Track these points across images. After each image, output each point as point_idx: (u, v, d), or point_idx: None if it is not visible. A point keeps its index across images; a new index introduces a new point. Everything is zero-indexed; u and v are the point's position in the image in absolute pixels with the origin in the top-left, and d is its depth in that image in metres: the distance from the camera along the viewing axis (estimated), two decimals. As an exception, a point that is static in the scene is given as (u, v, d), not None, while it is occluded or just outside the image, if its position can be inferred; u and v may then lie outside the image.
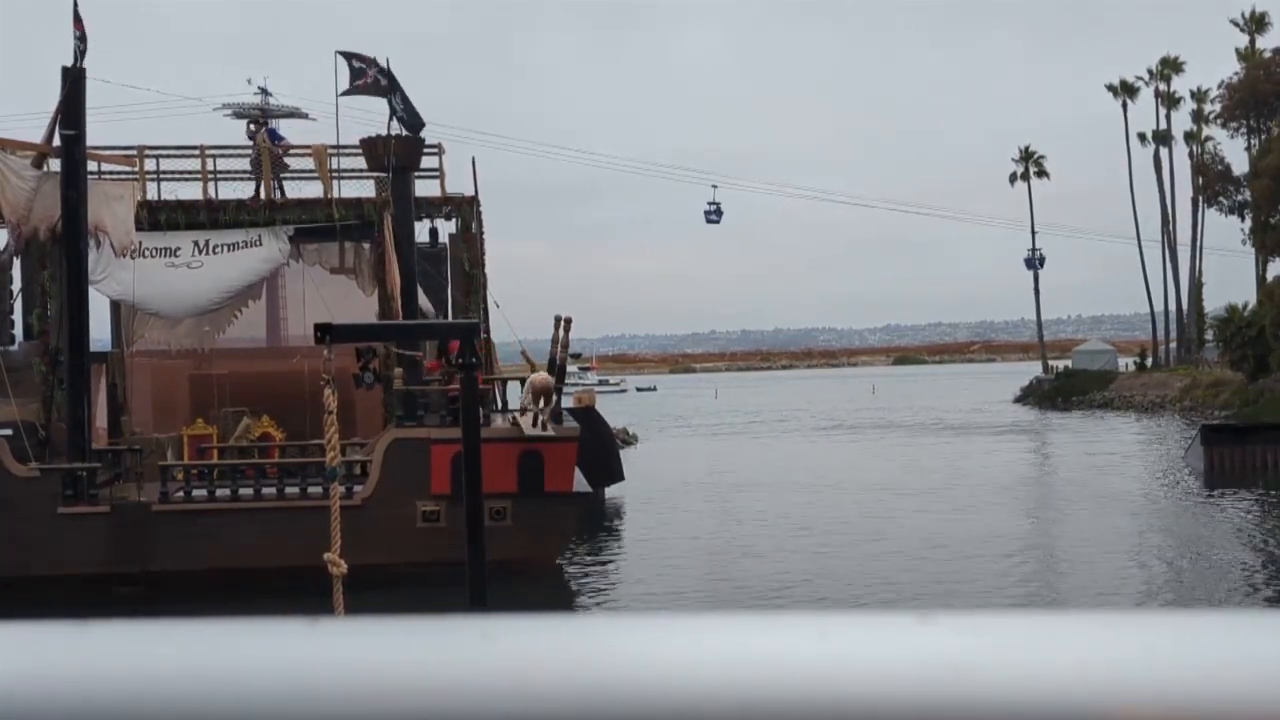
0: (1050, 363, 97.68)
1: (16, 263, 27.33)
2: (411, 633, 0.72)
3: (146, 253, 27.05)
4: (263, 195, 28.44)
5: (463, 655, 0.69)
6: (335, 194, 28.14)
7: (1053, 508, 33.23)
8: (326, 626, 0.72)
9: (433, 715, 0.66)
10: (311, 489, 23.84)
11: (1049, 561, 25.49)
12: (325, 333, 8.90)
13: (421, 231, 29.04)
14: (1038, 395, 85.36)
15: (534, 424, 23.83)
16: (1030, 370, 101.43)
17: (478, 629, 0.71)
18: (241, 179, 29.35)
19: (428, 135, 27.66)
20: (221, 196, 28.50)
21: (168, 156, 28.93)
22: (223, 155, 29.19)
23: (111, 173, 27.67)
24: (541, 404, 24.01)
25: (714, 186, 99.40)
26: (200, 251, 27.68)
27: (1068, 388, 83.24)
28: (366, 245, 28.04)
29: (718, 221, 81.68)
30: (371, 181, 28.27)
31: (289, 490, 24.03)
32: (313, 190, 28.80)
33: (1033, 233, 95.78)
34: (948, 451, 50.07)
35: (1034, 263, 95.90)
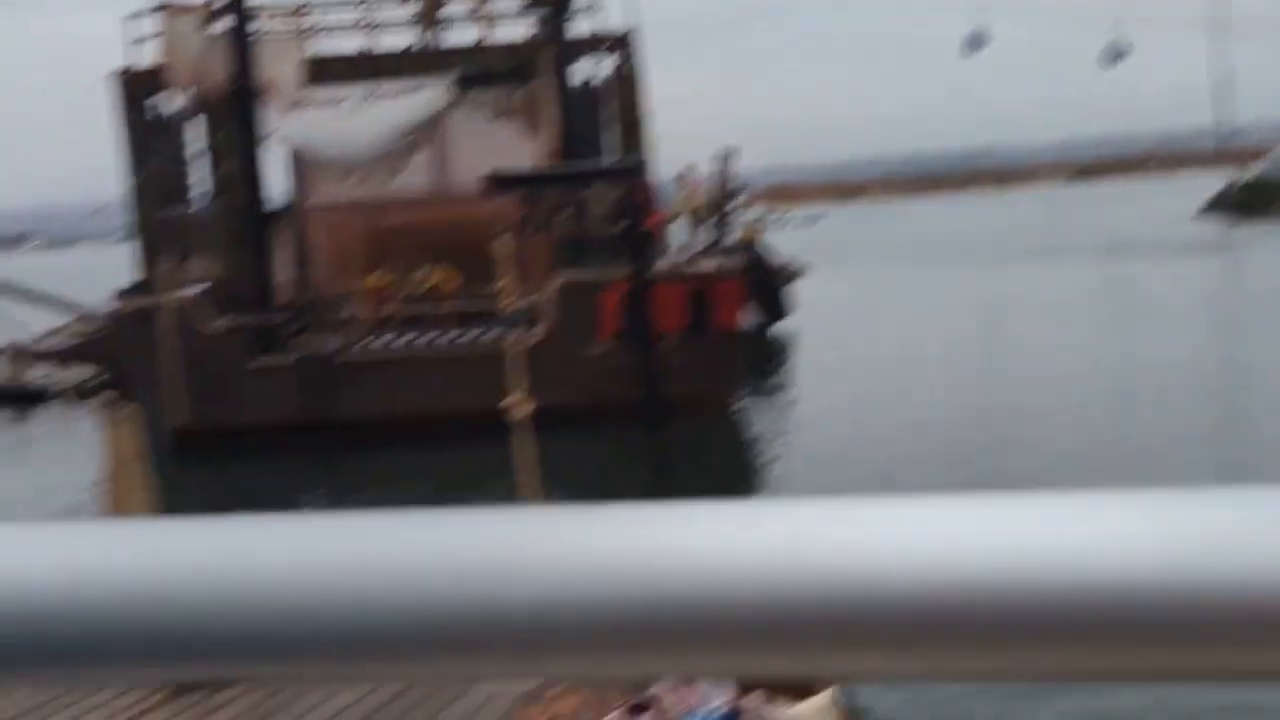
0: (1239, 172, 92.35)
1: (193, 124, 28.13)
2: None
3: (314, 104, 27.51)
4: (424, 44, 28.54)
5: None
6: (494, 39, 28.08)
7: None
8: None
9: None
10: (487, 335, 24.41)
11: None
12: (495, 181, 8.91)
13: (582, 72, 28.85)
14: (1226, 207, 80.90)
15: (701, 261, 23.80)
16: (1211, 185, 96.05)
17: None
18: (406, 28, 29.50)
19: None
20: (384, 48, 28.73)
21: (332, 8, 29.22)
22: (385, 5, 29.33)
23: (278, 29, 28.08)
24: (706, 238, 23.92)
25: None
26: (366, 99, 28.01)
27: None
28: (527, 89, 27.99)
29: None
30: (530, 24, 28.07)
31: (465, 338, 24.63)
32: (473, 36, 28.78)
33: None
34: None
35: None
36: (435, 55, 28.19)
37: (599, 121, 29.43)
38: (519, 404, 9.35)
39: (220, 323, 24.46)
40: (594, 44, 28.61)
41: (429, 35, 28.79)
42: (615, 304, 22.98)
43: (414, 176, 33.66)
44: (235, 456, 23.24)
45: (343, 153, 28.84)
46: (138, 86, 27.72)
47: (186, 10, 26.21)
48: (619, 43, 28.60)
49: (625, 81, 28.62)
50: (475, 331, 24.61)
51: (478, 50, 28.02)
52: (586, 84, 29.49)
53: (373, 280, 28.77)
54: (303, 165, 30.22)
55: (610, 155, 28.89)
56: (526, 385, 9.86)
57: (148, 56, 27.67)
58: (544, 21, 26.65)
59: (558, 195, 24.99)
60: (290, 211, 29.96)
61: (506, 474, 19.78)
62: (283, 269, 27.92)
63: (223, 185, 27.53)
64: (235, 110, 25.84)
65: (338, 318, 25.83)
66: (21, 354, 32.74)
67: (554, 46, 26.77)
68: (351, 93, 27.99)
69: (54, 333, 28.59)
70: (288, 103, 26.34)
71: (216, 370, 23.95)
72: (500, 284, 9.23)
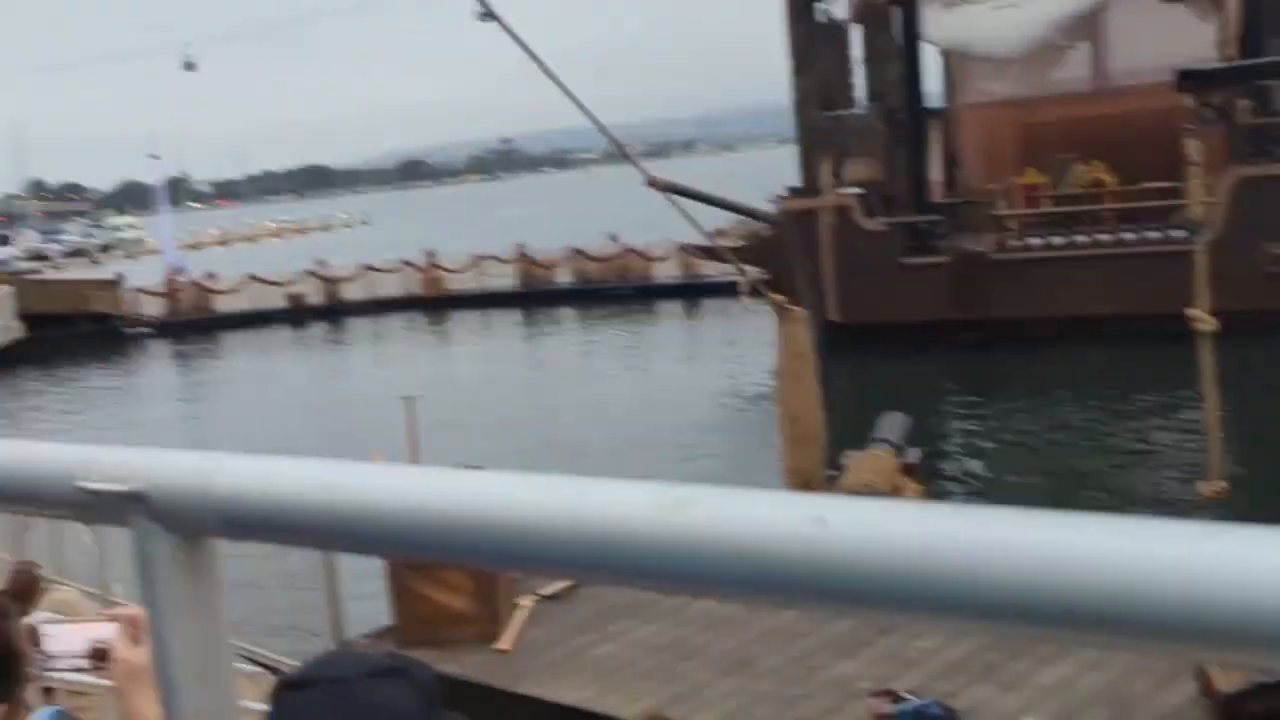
0: None
1: (856, 29, 28.83)
2: None
3: (970, 3, 27.13)
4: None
5: None
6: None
7: None
8: None
9: None
10: (1149, 234, 23.15)
11: None
12: (1186, 76, 8.39)
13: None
14: None
15: None
16: None
17: None
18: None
19: None
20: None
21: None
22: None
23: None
24: None
25: None
26: (1023, -8, 27.14)
27: None
28: (1203, -34, 25.75)
29: None
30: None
31: (1126, 236, 23.50)
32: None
33: None
34: None
35: None
36: (1102, -61, 26.67)
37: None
38: (1203, 316, 8.84)
39: (875, 222, 25.15)
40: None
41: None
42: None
43: (1072, 70, 32.33)
44: (886, 351, 24.04)
45: (997, 49, 28.27)
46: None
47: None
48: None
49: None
50: (1138, 231, 23.39)
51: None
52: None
53: (1026, 178, 28.18)
54: (956, 65, 30.06)
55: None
56: (1189, 289, 9.28)
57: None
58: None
59: (1241, 86, 22.88)
60: (943, 112, 29.98)
61: (1165, 383, 18.88)
62: (935, 169, 28.10)
63: (881, 88, 28.07)
64: (895, 13, 26.18)
65: (990, 216, 25.63)
66: (693, 252, 35.81)
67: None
68: (1008, -14, 27.29)
69: (721, 232, 30.82)
70: (944, 2, 26.23)
71: (872, 268, 24.74)
72: (1188, 186, 8.70)
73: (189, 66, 60.44)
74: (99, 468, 1.10)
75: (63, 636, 2.31)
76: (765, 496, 0.79)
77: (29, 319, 39.40)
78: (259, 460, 1.03)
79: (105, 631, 2.03)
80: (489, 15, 8.31)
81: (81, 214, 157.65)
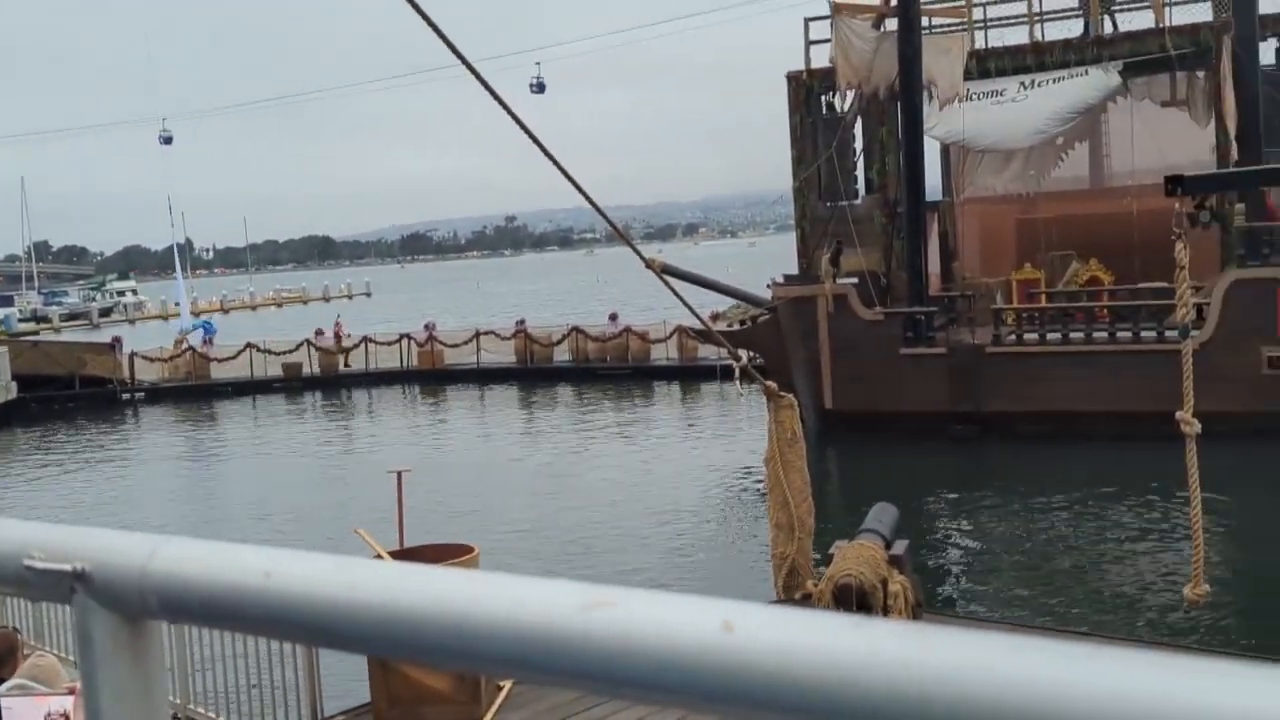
0: None
1: (856, 121, 29.24)
2: None
3: (973, 97, 27.52)
4: (1091, 32, 27.60)
5: None
6: (1168, 22, 26.50)
7: None
8: None
9: None
10: (1144, 333, 23.28)
11: None
12: (1177, 184, 8.51)
13: (1267, 53, 26.45)
14: None
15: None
16: None
17: None
18: (1070, 17, 28.63)
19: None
20: (1049, 37, 28.12)
21: (995, 3, 29.04)
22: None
23: (941, 25, 28.43)
24: None
25: None
26: (1025, 89, 27.54)
27: None
28: (1201, 74, 26.19)
29: None
30: (1208, 4, 26.21)
31: (1120, 334, 23.63)
32: (1143, 21, 27.35)
33: None
34: None
35: None
36: (1102, 42, 27.14)
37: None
38: (1190, 420, 8.87)
39: (873, 312, 25.29)
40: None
41: (1096, 21, 27.75)
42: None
43: (1071, 168, 32.75)
44: (881, 441, 24.03)
45: (998, 145, 28.64)
46: (809, 86, 29.28)
47: (861, 10, 27.26)
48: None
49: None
50: (1134, 330, 23.53)
51: (1148, 34, 26.58)
52: (1276, 65, 26.96)
53: (1022, 273, 28.41)
54: (956, 158, 30.45)
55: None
56: (1194, 399, 9.32)
57: (822, 57, 29.14)
58: (1226, 0, 24.69)
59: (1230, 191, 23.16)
60: (942, 205, 30.30)
61: (1157, 483, 18.85)
62: (931, 260, 28.32)
63: (881, 180, 28.39)
64: (897, 107, 26.55)
65: (986, 309, 25.80)
66: (690, 334, 35.96)
67: (1241, 23, 24.72)
68: (1009, 84, 27.71)
69: (718, 316, 30.96)
70: (946, 97, 26.62)
71: (868, 357, 24.83)
72: (1179, 293, 8.77)
73: (166, 140, 61.77)
74: (45, 545, 1.11)
75: (20, 709, 2.30)
76: (681, 600, 0.80)
77: (24, 380, 39.41)
78: (199, 544, 1.05)
79: (65, 704, 2.03)
80: (497, 99, 8.45)
81: (84, 277, 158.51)
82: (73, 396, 40.72)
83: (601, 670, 0.79)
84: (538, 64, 52.52)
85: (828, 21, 27.91)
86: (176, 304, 61.20)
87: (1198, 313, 23.01)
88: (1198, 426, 8.95)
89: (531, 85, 50.43)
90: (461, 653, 0.86)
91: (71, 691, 1.99)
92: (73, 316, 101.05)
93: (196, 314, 59.23)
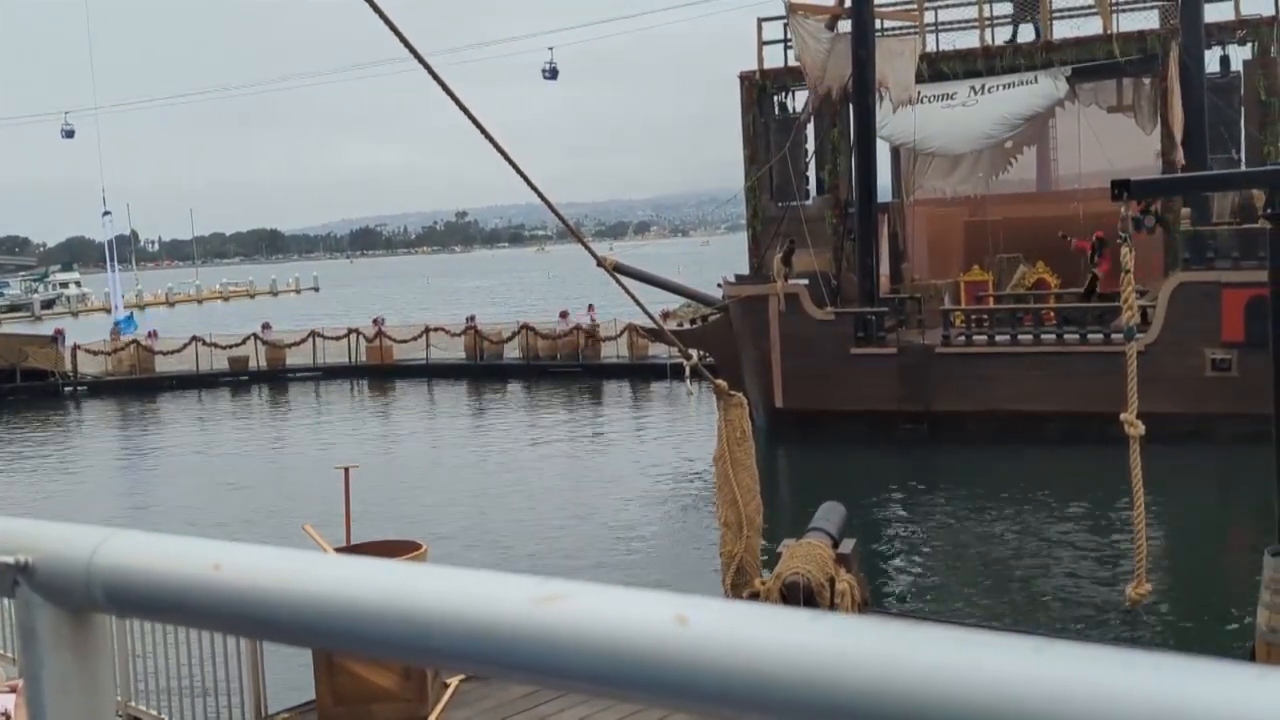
0: None
1: (809, 122, 29.36)
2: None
3: (924, 100, 27.71)
4: (1039, 37, 27.87)
5: None
6: (1115, 29, 26.81)
7: None
8: None
9: None
10: (1090, 335, 23.56)
11: None
12: (1122, 188, 8.61)
13: (1211, 60, 26.80)
14: None
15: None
16: None
17: None
18: (1004, 24, 28.90)
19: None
20: (998, 42, 28.37)
21: (946, 7, 29.24)
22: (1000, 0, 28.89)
23: (894, 28, 28.60)
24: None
25: None
26: (975, 93, 27.78)
27: None
28: (1148, 80, 26.53)
29: None
30: (1155, 12, 26.55)
31: (1067, 336, 23.90)
32: (1091, 28, 27.64)
33: None
34: None
35: None
36: (1050, 47, 27.41)
37: (1233, 112, 27.14)
38: (1134, 422, 8.98)
39: (824, 312, 25.41)
40: (1234, 29, 26.46)
41: (1045, 27, 28.02)
42: (1239, 307, 21.33)
43: (1019, 172, 33.11)
44: (830, 440, 24.16)
45: (947, 149, 28.89)
46: (762, 86, 29.37)
47: (815, 11, 27.36)
48: (1262, 26, 26.21)
49: (1266, 68, 26.13)
50: (1080, 332, 23.80)
51: (1096, 40, 26.88)
52: (1222, 71, 27.31)
53: (971, 274, 28.67)
54: (906, 161, 30.66)
55: (1244, 148, 26.65)
56: (1138, 402, 9.44)
57: (775, 57, 29.24)
58: (1181, 6, 24.95)
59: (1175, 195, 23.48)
60: (891, 206, 30.50)
61: (1101, 483, 19.09)
62: (881, 261, 28.50)
63: (832, 181, 28.53)
64: (849, 108, 26.68)
65: (935, 310, 26.01)
66: (641, 333, 36.00)
67: (1188, 31, 25.05)
68: (960, 88, 27.94)
69: (669, 314, 30.99)
70: (899, 99, 26.79)
71: (819, 357, 24.94)
72: (1123, 296, 8.88)
73: (68, 134, 61.07)
74: (-14, 537, 1.09)
75: None
76: (633, 594, 0.80)
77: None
78: (148, 536, 1.03)
79: (5, 702, 2.00)
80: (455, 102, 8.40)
81: (26, 268, 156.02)
82: (13, 389, 40.10)
83: (554, 663, 0.79)
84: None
85: (781, 22, 28.02)
86: (107, 294, 60.30)
87: (1142, 316, 23.39)
88: (1141, 428, 9.07)
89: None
90: (414, 646, 0.86)
91: (13, 690, 1.94)
92: (14, 308, 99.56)
93: (129, 309, 58.40)
